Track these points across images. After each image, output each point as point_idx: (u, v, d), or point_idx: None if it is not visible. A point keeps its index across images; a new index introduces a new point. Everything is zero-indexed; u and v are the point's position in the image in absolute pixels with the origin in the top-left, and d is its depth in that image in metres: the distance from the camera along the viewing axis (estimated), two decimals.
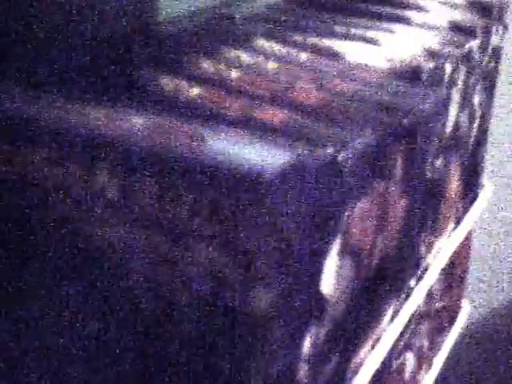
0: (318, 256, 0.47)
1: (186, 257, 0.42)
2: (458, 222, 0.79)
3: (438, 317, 0.82)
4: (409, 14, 0.75)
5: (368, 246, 0.54)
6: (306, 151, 0.43)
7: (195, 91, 0.50)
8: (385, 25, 0.72)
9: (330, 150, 0.45)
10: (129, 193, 0.43)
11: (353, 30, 0.69)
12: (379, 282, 0.58)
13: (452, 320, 0.89)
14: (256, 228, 0.40)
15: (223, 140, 0.43)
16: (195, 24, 0.67)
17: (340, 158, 0.46)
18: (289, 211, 0.42)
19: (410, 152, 0.57)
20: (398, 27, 0.71)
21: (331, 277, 0.49)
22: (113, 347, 0.46)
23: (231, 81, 0.53)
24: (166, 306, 0.44)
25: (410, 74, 0.61)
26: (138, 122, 0.45)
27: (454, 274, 0.85)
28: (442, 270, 0.79)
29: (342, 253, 0.50)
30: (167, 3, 0.72)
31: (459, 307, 0.90)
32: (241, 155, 0.41)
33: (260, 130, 0.47)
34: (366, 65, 0.61)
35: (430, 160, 0.63)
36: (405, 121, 0.54)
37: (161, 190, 0.42)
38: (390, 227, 0.57)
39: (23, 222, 0.47)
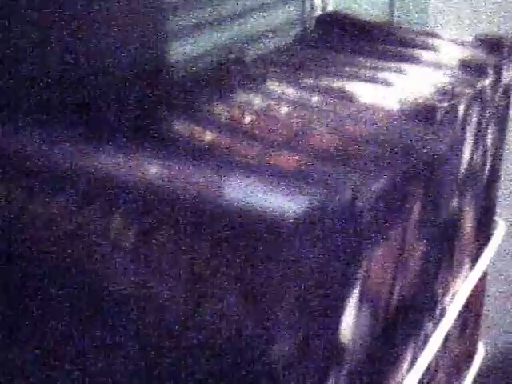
0: (337, 303, 0.46)
1: (203, 304, 0.41)
2: (473, 262, 0.78)
3: (454, 360, 0.80)
4: (420, 53, 0.74)
5: (386, 291, 0.52)
6: (322, 197, 0.42)
7: (210, 137, 0.50)
8: (396, 65, 0.71)
9: (347, 196, 0.44)
10: (144, 240, 0.42)
11: (364, 71, 0.68)
12: (397, 327, 0.57)
13: (468, 363, 0.87)
14: (274, 275, 0.39)
15: (240, 187, 0.42)
16: (206, 68, 0.66)
17: (358, 203, 0.45)
18: (307, 258, 0.41)
19: (426, 194, 0.56)
20: (409, 67, 0.71)
21: (350, 324, 0.48)
22: None
23: (245, 126, 0.52)
24: (183, 353, 0.42)
25: (424, 115, 0.60)
26: (152, 168, 0.44)
27: (469, 316, 0.84)
28: (458, 312, 0.77)
29: (361, 299, 0.48)
30: (176, 46, 0.72)
31: (475, 350, 0.89)
32: (258, 203, 0.40)
33: (276, 176, 0.46)
34: (379, 106, 0.61)
35: (445, 201, 0.62)
36: (421, 163, 0.53)
37: (177, 237, 0.41)
38: (407, 270, 0.56)
39: (36, 270, 0.46)
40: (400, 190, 0.51)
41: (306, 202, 0.40)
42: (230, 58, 0.68)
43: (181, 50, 0.72)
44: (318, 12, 0.91)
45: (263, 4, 0.83)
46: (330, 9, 0.92)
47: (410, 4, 1.17)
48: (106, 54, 0.64)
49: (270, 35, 0.85)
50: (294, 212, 0.39)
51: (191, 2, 0.72)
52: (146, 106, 0.55)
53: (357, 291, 0.47)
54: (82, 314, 0.45)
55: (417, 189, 0.54)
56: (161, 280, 0.42)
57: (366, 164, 0.49)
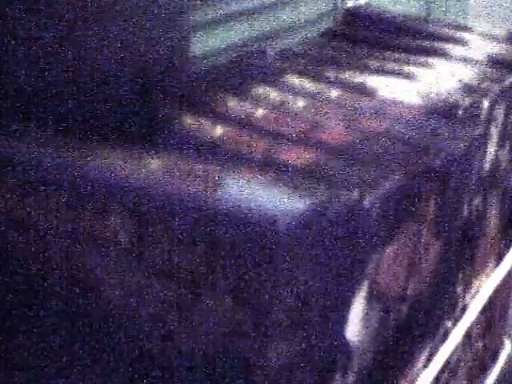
0: (343, 302, 0.45)
1: (199, 307, 0.41)
2: (498, 259, 0.77)
3: (478, 357, 0.80)
4: (447, 47, 0.73)
5: (398, 290, 0.52)
6: (327, 196, 0.42)
7: (219, 131, 0.50)
8: (422, 58, 0.70)
9: (354, 195, 0.44)
10: (141, 240, 0.42)
11: (388, 65, 0.68)
12: (412, 326, 0.56)
13: (493, 359, 0.86)
14: (276, 276, 0.39)
15: (242, 185, 0.42)
16: (226, 60, 0.66)
17: (365, 202, 0.45)
18: (310, 258, 0.41)
19: (443, 193, 0.55)
20: (435, 61, 0.70)
21: (358, 323, 0.47)
22: None
23: (256, 120, 0.53)
24: (177, 357, 0.43)
25: (446, 111, 0.60)
26: (153, 164, 0.44)
27: (495, 313, 0.83)
28: (483, 308, 0.77)
29: (370, 298, 0.48)
30: (200, 38, 0.72)
31: (501, 346, 0.88)
32: (259, 201, 0.40)
33: (282, 173, 0.46)
34: (399, 101, 0.60)
35: (467, 199, 0.62)
36: (438, 161, 0.52)
37: (173, 236, 0.41)
38: (422, 269, 0.55)
39: (33, 272, 0.46)
40: (413, 188, 0.50)
41: (308, 202, 0.40)
42: (251, 50, 0.68)
43: (203, 41, 0.72)
44: (349, 5, 0.90)
45: None
46: (361, 2, 0.92)
47: None
48: (121, 45, 0.64)
49: (300, 28, 0.85)
50: (294, 212, 0.39)
51: None
52: (154, 99, 0.55)
53: (365, 290, 0.47)
54: (75, 318, 0.45)
55: (433, 186, 0.53)
56: (154, 282, 0.42)
57: (377, 160, 0.49)
